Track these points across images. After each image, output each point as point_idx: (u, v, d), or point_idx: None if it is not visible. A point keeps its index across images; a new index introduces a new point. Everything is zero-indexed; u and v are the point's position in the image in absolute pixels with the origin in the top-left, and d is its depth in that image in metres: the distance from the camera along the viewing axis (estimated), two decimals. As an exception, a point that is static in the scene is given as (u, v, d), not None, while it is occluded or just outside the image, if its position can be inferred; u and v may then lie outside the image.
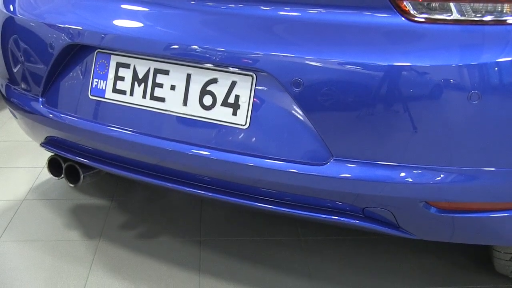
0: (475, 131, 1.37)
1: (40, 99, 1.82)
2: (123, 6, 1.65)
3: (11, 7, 1.88)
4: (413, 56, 1.38)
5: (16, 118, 1.98)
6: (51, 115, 1.77)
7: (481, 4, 1.34)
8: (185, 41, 1.53)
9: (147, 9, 1.61)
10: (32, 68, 1.81)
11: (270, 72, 1.47)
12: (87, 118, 1.70)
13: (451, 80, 1.35)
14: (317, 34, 1.47)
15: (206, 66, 1.54)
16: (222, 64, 1.52)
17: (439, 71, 1.33)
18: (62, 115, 1.76)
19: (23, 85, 1.87)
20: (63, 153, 1.86)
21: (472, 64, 1.31)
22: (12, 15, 1.83)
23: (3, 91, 1.99)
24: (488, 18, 1.35)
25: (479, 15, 1.32)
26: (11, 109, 1.98)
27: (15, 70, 1.88)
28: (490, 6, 1.38)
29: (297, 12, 1.46)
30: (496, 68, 1.31)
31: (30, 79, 1.83)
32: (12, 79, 1.92)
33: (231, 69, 1.51)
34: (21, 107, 1.88)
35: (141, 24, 1.59)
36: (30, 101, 1.85)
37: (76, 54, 1.73)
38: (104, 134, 1.65)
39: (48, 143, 1.92)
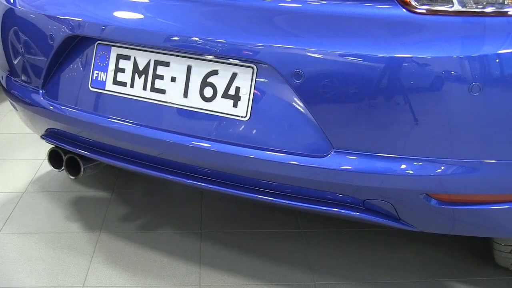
0: (476, 123, 1.37)
1: (41, 91, 1.80)
2: (126, 1, 1.65)
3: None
4: (414, 48, 1.37)
5: (17, 110, 1.97)
6: (51, 107, 1.76)
7: (483, -4, 1.33)
8: (185, 33, 1.52)
9: (147, 0, 1.60)
10: (32, 60, 1.80)
11: (271, 64, 1.45)
12: (88, 110, 1.69)
13: (452, 72, 1.34)
14: (317, 25, 1.46)
15: (206, 58, 1.53)
16: (222, 55, 1.51)
17: (440, 62, 1.33)
18: (62, 107, 1.74)
19: (23, 77, 1.86)
20: (63, 145, 1.85)
21: (473, 56, 1.31)
22: (12, 7, 1.81)
23: (3, 83, 1.97)
24: (489, 9, 1.33)
25: (481, 6, 1.32)
26: (12, 101, 1.97)
27: (15, 62, 1.86)
28: (491, -3, 1.39)
29: (297, 3, 1.45)
30: (497, 60, 1.31)
31: (30, 71, 1.81)
32: (12, 71, 1.90)
33: (231, 60, 1.50)
34: (22, 99, 1.87)
35: (141, 16, 1.58)
36: (31, 93, 1.83)
37: (76, 46, 1.71)
38: (104, 126, 1.64)
39: (49, 135, 1.91)
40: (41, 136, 1.95)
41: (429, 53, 1.36)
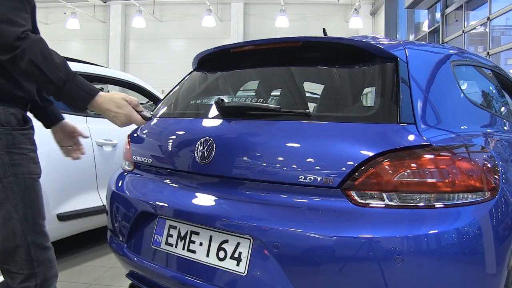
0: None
1: (125, 245, 2.61)
2: (175, 194, 2.44)
3: (114, 186, 2.72)
4: (355, 230, 1.84)
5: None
6: (130, 256, 2.55)
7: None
8: (210, 215, 2.20)
9: (189, 197, 2.36)
10: (122, 225, 2.58)
11: (260, 238, 2.00)
12: (149, 261, 2.42)
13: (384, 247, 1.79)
14: (289, 214, 1.99)
15: (222, 231, 2.15)
16: (231, 230, 2.11)
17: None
18: (135, 257, 2.49)
19: (117, 236, 2.65)
20: (136, 282, 2.62)
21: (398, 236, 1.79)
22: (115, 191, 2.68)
23: (108, 240, 2.85)
24: (409, 203, 1.84)
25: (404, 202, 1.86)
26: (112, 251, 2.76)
27: (116, 225, 2.67)
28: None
29: (275, 200, 2.04)
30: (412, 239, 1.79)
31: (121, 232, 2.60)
32: (113, 232, 2.72)
33: (237, 234, 2.09)
34: (116, 251, 2.69)
35: (184, 204, 2.34)
36: (121, 246, 2.64)
37: (146, 218, 2.49)
38: (159, 272, 2.35)
39: (130, 274, 2.71)
40: (125, 275, 2.72)
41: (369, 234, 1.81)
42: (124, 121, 2.09)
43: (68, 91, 1.94)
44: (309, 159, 2.03)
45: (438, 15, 15.37)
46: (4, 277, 2.08)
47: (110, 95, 2.06)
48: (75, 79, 1.96)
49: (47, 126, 2.43)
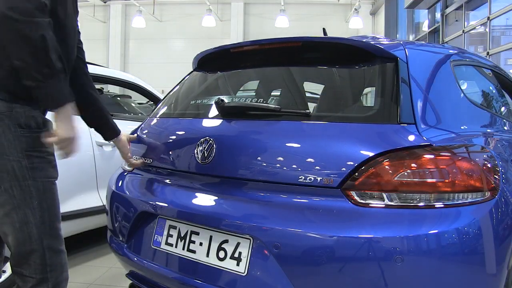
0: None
1: (125, 245, 2.59)
2: (175, 194, 2.44)
3: (114, 186, 2.73)
4: (355, 230, 1.84)
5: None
6: (130, 256, 2.53)
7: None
8: (210, 215, 2.20)
9: (189, 197, 2.37)
10: (123, 225, 2.59)
11: (260, 238, 2.01)
12: (149, 261, 2.42)
13: (384, 247, 1.78)
14: (289, 214, 1.98)
15: (222, 231, 2.15)
16: (231, 230, 2.11)
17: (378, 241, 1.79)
18: (135, 257, 2.49)
19: (117, 235, 2.66)
20: (136, 282, 2.64)
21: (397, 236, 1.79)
22: (115, 191, 2.69)
23: (108, 239, 2.82)
24: (408, 203, 1.84)
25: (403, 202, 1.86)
26: (112, 251, 2.77)
27: (116, 225, 2.68)
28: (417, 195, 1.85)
29: (276, 200, 2.04)
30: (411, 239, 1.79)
31: (121, 232, 2.62)
32: (113, 231, 2.73)
33: (237, 234, 2.09)
34: (115, 250, 2.70)
35: (184, 204, 2.34)
36: (120, 246, 2.65)
37: (146, 218, 2.49)
38: (158, 272, 2.35)
39: (129, 274, 2.72)
40: (125, 275, 2.72)
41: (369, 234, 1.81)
42: (67, 135, 1.94)
43: (58, 81, 1.86)
44: (309, 159, 2.04)
45: (438, 15, 15.36)
46: (15, 280, 2.07)
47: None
48: (66, 76, 1.93)
49: (107, 138, 2.54)
